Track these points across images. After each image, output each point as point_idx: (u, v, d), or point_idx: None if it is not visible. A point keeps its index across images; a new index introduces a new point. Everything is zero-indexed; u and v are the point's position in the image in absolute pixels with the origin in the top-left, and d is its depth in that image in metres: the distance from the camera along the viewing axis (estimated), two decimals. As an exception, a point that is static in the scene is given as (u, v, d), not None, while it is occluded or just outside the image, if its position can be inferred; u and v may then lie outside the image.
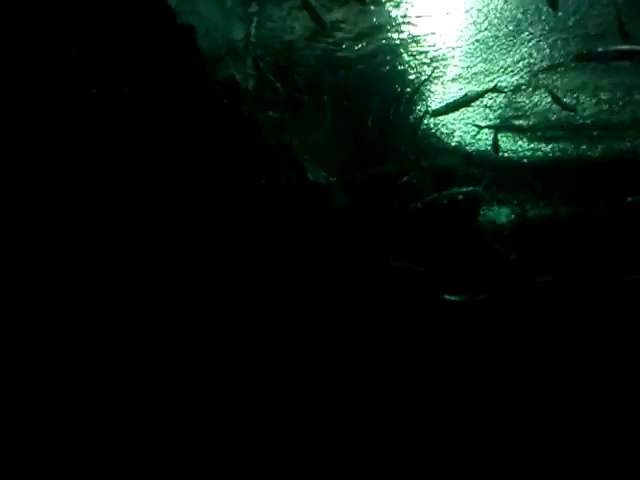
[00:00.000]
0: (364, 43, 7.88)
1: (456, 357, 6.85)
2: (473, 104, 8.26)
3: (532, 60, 7.88)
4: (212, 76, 5.17)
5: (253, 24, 7.65)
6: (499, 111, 8.88)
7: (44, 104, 3.95)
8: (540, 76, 8.04)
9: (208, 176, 4.92)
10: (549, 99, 8.12)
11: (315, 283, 6.96)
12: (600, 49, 5.95)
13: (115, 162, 4.30)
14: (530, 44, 7.70)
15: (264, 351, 5.64)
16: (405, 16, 7.30)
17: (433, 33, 7.59)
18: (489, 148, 8.96)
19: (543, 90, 8.16)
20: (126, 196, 4.41)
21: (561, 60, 7.72)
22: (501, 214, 9.05)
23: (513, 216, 9.03)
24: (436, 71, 8.34)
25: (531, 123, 8.90)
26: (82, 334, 4.40)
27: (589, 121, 8.61)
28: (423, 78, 8.33)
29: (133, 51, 4.21)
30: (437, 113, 8.31)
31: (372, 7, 7.22)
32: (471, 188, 8.08)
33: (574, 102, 8.27)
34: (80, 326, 4.39)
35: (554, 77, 8.08)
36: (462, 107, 7.80)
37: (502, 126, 8.86)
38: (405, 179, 8.29)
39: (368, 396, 6.38)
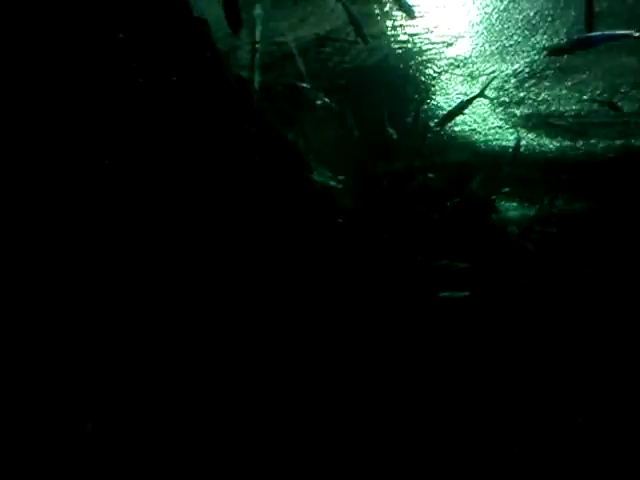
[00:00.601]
0: (373, 42, 7.85)
1: (477, 353, 6.74)
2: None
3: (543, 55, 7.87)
4: (228, 71, 4.99)
5: (258, 24, 7.57)
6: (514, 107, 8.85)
7: (55, 98, 3.74)
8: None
9: (227, 171, 4.73)
10: (564, 91, 8.12)
11: (323, 282, 6.82)
12: (566, 40, 6.02)
13: (131, 157, 4.10)
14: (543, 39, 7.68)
15: (266, 353, 5.50)
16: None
17: (444, 28, 7.59)
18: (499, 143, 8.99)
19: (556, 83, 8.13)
20: (141, 192, 4.21)
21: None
22: (514, 210, 8.98)
23: (526, 211, 8.98)
24: (449, 68, 8.33)
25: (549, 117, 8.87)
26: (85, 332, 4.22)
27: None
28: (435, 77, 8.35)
29: (149, 43, 4.02)
30: (439, 125, 8.54)
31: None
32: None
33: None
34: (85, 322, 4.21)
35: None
36: (458, 115, 7.95)
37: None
38: (416, 180, 8.22)
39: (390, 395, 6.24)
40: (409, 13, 6.14)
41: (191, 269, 4.74)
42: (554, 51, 6.31)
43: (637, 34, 5.32)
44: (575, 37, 5.73)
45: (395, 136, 8.04)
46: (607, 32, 5.53)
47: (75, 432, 3.69)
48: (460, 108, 7.74)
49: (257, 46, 7.77)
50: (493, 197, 8.59)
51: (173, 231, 4.45)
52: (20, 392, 3.62)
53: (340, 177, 8.65)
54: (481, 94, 7.74)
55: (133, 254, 4.33)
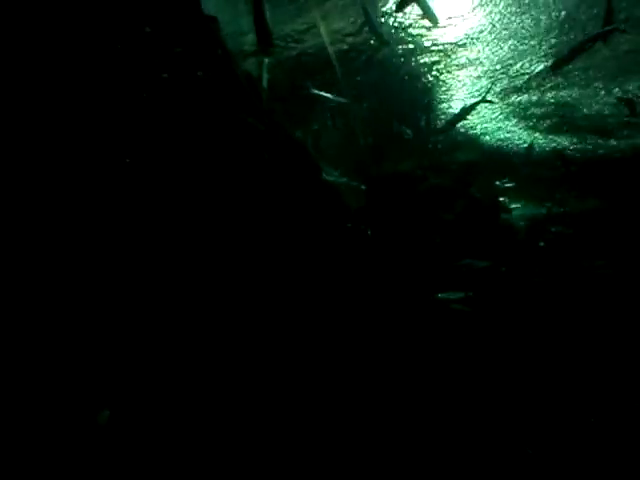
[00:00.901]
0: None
1: (491, 353, 6.66)
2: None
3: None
4: (237, 69, 4.95)
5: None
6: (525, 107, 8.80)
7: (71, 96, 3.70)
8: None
9: (236, 168, 4.68)
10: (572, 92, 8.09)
11: (331, 283, 6.75)
12: (567, 50, 6.09)
13: (140, 154, 4.05)
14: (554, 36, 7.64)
15: (269, 351, 5.44)
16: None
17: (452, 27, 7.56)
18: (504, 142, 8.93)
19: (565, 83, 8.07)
20: (150, 189, 4.16)
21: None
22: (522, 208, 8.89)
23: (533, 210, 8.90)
24: (462, 67, 8.30)
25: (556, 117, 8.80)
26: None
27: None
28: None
29: (162, 38, 3.97)
30: (442, 131, 8.71)
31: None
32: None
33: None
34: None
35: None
36: (461, 120, 8.05)
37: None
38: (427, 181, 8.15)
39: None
40: (433, 21, 6.21)
41: (197, 265, 4.70)
42: (557, 65, 6.44)
43: (622, 27, 5.57)
44: (571, 46, 5.86)
45: (409, 135, 8.04)
46: (596, 32, 5.67)
47: (90, 422, 3.65)
48: (463, 113, 7.80)
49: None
50: (503, 197, 8.53)
51: (181, 228, 4.41)
52: (34, 385, 3.60)
53: (346, 177, 8.62)
54: (483, 100, 7.74)
55: (140, 251, 4.29)
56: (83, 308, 3.94)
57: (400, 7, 6.52)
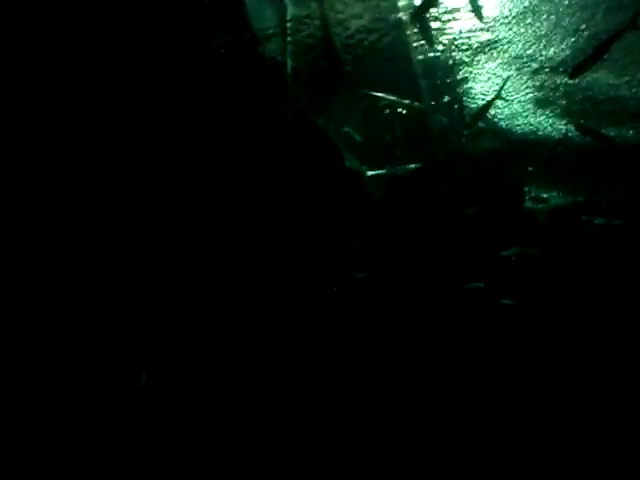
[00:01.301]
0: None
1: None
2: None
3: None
4: (264, 53, 4.89)
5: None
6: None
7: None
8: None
9: (263, 156, 4.64)
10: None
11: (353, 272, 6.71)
12: (585, 57, 5.87)
13: (166, 139, 4.03)
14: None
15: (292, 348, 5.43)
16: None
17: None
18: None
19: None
20: (180, 174, 4.15)
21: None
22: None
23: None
24: (488, 53, 8.21)
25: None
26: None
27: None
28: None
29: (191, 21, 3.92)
30: (467, 126, 8.69)
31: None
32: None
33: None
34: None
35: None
36: (483, 116, 8.11)
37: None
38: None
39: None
40: (480, 16, 6.23)
41: (216, 251, 4.69)
42: (577, 70, 6.15)
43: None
44: (591, 49, 5.68)
45: (444, 123, 7.98)
46: (617, 30, 5.43)
47: (132, 384, 3.81)
48: (483, 110, 7.80)
49: (288, 32, 7.69)
50: (532, 187, 8.38)
51: (208, 210, 4.39)
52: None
53: (368, 166, 8.54)
54: (498, 96, 7.66)
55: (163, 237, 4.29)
56: (125, 284, 4.00)
57: (423, 10, 6.44)
